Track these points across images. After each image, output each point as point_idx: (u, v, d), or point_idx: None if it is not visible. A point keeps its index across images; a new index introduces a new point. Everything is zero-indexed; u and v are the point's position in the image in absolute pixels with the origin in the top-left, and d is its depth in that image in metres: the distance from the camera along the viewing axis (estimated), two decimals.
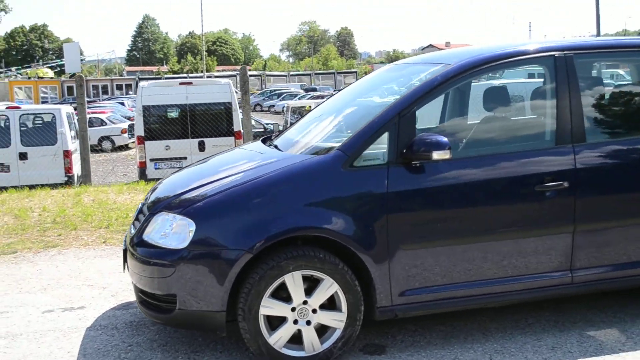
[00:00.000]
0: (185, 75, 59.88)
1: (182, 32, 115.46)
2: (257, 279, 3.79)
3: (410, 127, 4.02)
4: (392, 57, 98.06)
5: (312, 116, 5.05)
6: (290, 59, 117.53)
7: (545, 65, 4.34)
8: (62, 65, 60.06)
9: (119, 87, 58.17)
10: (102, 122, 27.09)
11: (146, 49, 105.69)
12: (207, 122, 13.63)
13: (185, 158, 13.23)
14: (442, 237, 4.02)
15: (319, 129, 4.58)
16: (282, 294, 3.88)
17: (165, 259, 3.87)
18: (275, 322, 3.90)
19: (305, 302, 3.88)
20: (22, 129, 13.91)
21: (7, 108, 14.37)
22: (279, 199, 3.88)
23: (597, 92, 4.58)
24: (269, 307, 3.84)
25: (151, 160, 13.36)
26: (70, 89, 58.14)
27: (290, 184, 3.93)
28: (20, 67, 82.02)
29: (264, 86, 62.68)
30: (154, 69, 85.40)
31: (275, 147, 4.61)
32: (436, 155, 3.87)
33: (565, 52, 4.32)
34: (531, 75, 6.95)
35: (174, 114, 13.84)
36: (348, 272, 3.89)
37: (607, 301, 4.85)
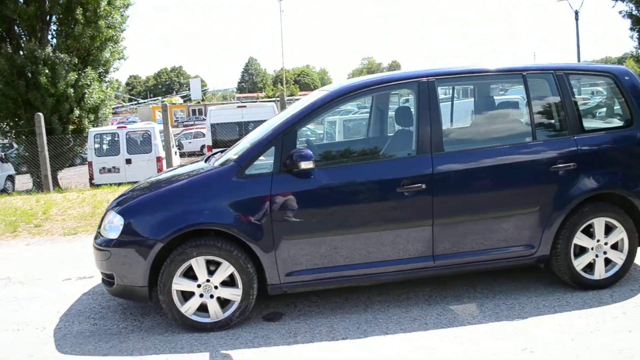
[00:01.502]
0: (275, 99, 60.37)
1: (276, 68, 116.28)
2: (169, 262, 3.56)
3: (291, 143, 3.66)
4: None
5: (247, 137, 4.71)
6: None
7: (412, 89, 3.86)
8: (190, 94, 62.04)
9: None
10: (203, 135, 27.75)
11: (250, 80, 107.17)
12: None
13: None
14: (318, 230, 3.63)
15: (239, 146, 4.25)
16: (191, 274, 3.62)
17: (106, 247, 3.69)
18: (187, 295, 3.64)
19: (208, 281, 3.60)
20: (128, 142, 14.21)
21: (117, 128, 14.68)
22: (185, 201, 3.61)
23: (454, 110, 4.05)
24: (179, 284, 3.59)
25: None
26: (194, 111, 59.75)
27: (195, 189, 3.66)
28: (163, 96, 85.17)
29: None
30: (255, 95, 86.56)
31: (208, 161, 4.30)
32: (303, 165, 3.51)
33: (428, 78, 3.83)
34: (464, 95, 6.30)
35: (233, 129, 13.80)
36: (242, 257, 3.58)
37: (481, 278, 4.32)
